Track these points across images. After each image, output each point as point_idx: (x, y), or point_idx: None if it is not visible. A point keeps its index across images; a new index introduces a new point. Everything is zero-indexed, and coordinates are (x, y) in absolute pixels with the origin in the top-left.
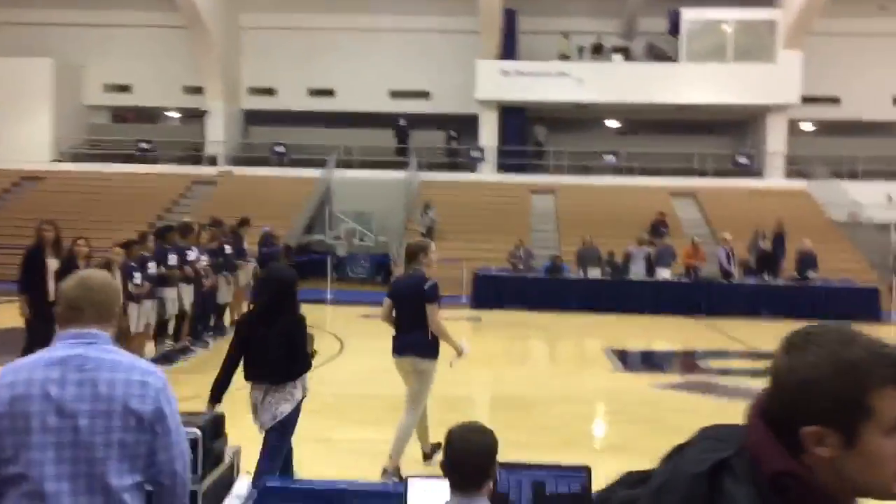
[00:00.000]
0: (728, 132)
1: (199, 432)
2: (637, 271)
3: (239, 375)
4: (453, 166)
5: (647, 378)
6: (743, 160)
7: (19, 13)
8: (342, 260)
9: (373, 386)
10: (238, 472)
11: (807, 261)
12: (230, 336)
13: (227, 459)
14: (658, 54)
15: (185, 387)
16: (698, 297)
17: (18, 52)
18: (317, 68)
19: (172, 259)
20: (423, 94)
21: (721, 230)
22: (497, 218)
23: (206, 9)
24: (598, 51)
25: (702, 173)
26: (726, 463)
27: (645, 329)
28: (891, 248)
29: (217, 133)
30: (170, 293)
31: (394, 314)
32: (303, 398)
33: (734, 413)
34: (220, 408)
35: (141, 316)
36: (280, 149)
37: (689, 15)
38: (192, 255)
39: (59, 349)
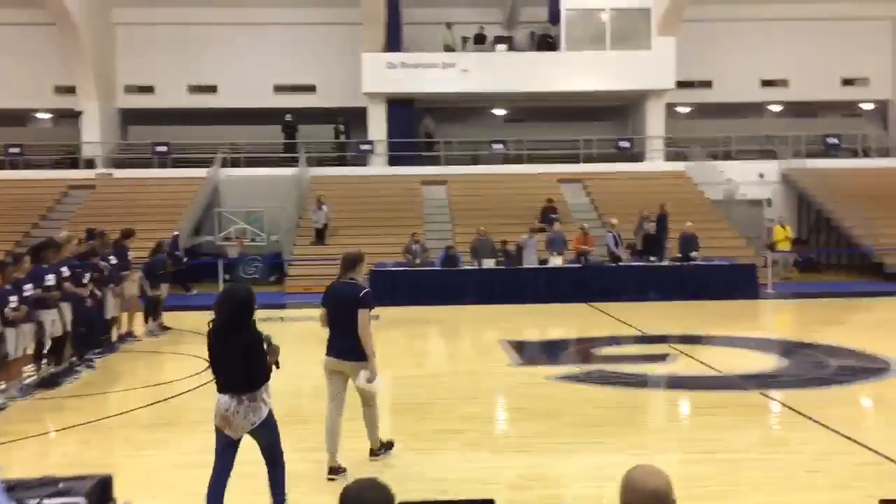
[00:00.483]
0: (610, 118)
1: (83, 502)
2: (530, 260)
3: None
4: (343, 161)
5: (543, 370)
6: (625, 145)
7: None
8: (233, 262)
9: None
10: None
11: (689, 242)
12: (119, 353)
13: None
14: (541, 43)
15: (72, 413)
16: (590, 283)
17: None
18: (197, 64)
19: (50, 279)
20: (309, 88)
21: (608, 214)
22: (390, 211)
23: (76, 5)
24: (480, 41)
25: (587, 159)
26: None
27: (540, 318)
28: (763, 224)
29: (93, 134)
30: (48, 315)
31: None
32: (269, 403)
33: (631, 402)
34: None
35: (19, 341)
36: (162, 148)
37: (568, 4)
38: (66, 272)
39: None
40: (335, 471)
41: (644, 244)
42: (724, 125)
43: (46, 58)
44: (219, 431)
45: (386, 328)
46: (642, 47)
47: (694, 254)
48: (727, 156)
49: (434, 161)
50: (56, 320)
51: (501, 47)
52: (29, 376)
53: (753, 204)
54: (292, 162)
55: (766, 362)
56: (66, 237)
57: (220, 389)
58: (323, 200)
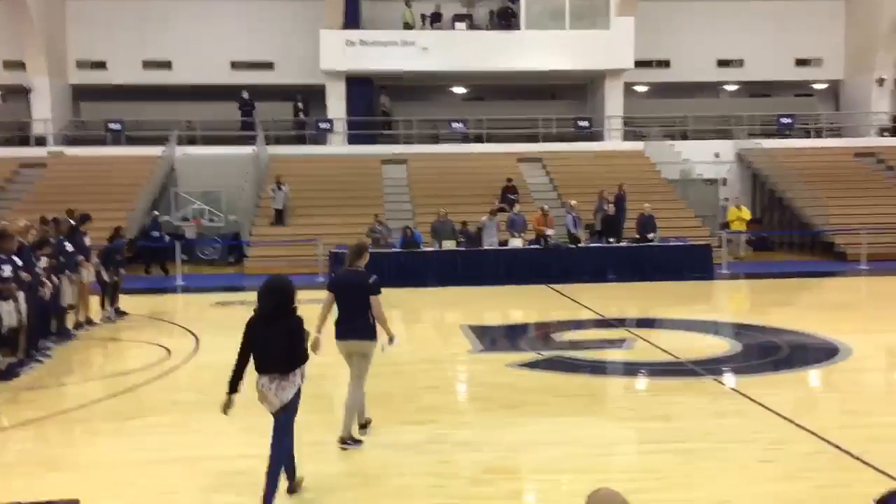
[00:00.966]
0: (569, 97)
1: None
2: (491, 242)
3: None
4: (302, 139)
5: (504, 357)
6: (584, 124)
7: None
8: (191, 243)
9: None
10: None
11: (646, 223)
12: (75, 341)
13: None
14: (500, 22)
15: (28, 406)
16: (549, 264)
17: None
18: (151, 39)
19: (6, 270)
20: (267, 65)
21: (567, 194)
22: (350, 191)
23: None
24: (437, 19)
25: (547, 138)
26: None
27: (500, 300)
28: (718, 203)
29: (44, 111)
30: (5, 306)
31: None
32: (302, 383)
33: (589, 391)
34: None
35: None
36: (115, 126)
37: None
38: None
39: None
40: (347, 442)
41: (602, 225)
42: (680, 105)
43: None
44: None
45: None
46: (601, 27)
47: (651, 235)
48: (684, 135)
49: (394, 140)
50: (12, 311)
51: (461, 25)
52: None
53: (709, 183)
54: (250, 140)
55: (720, 346)
56: (24, 227)
57: (259, 369)
58: (282, 181)
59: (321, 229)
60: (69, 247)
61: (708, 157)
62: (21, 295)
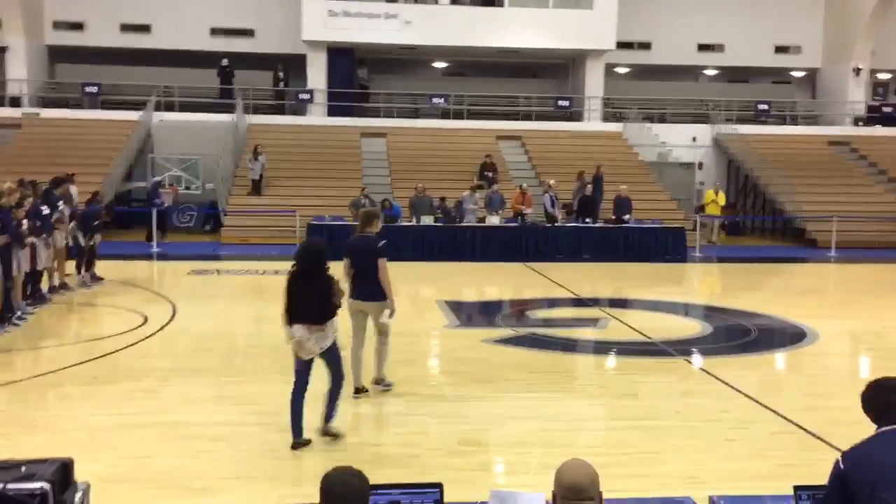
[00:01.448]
0: (550, 76)
1: (48, 486)
2: (469, 218)
3: None
4: (281, 109)
5: (479, 333)
6: (564, 104)
7: None
8: (167, 210)
9: (211, 359)
10: None
11: (623, 205)
12: (51, 305)
13: None
14: None
15: (4, 369)
16: (525, 243)
17: None
18: (130, 2)
19: None
20: (248, 33)
21: (545, 173)
22: (328, 163)
23: None
24: None
25: (526, 116)
26: None
27: (476, 277)
28: (694, 187)
29: (19, 71)
30: None
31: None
32: (335, 333)
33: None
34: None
35: None
36: (92, 89)
37: None
38: None
39: None
40: (359, 391)
41: (579, 205)
42: (660, 87)
43: None
44: (295, 356)
45: None
46: (584, 6)
47: (627, 216)
48: (662, 118)
49: (373, 113)
50: None
51: (444, 0)
52: None
53: (685, 167)
54: (229, 108)
55: (691, 328)
56: (7, 189)
57: (295, 321)
58: (260, 150)
59: (299, 200)
60: (45, 210)
61: (685, 141)
62: None
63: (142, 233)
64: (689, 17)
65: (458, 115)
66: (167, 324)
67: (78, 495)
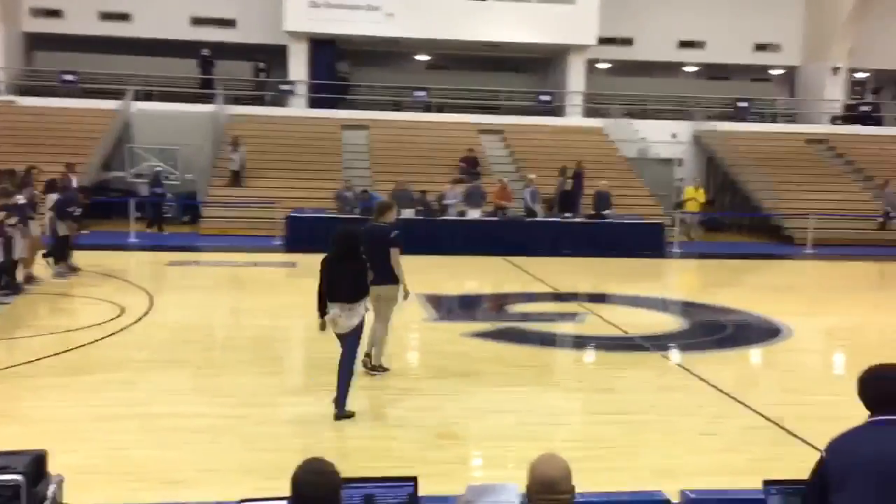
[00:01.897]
0: (532, 70)
1: (20, 479)
2: (450, 212)
3: None
4: (262, 100)
5: (459, 327)
6: (545, 98)
7: None
8: (145, 200)
9: (189, 350)
10: None
11: (603, 199)
12: (26, 295)
13: (48, 501)
14: None
15: None
16: (506, 237)
17: None
18: None
19: None
20: (229, 23)
21: (526, 167)
22: (309, 155)
23: None
24: None
25: (508, 111)
26: None
27: (456, 271)
28: (673, 183)
29: None
30: None
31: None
32: (365, 312)
33: (542, 361)
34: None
35: None
36: (70, 77)
37: None
38: None
39: None
40: (375, 368)
41: (560, 200)
42: (641, 83)
43: None
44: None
45: (301, 276)
46: (566, 1)
47: (607, 211)
48: (643, 114)
49: (355, 105)
50: None
51: None
52: None
53: (665, 163)
54: (208, 98)
55: (668, 323)
56: None
57: (331, 299)
58: (240, 141)
59: (279, 192)
60: (21, 199)
61: (665, 137)
62: None
63: (120, 223)
64: (670, 13)
65: (440, 109)
66: (144, 315)
67: (52, 488)
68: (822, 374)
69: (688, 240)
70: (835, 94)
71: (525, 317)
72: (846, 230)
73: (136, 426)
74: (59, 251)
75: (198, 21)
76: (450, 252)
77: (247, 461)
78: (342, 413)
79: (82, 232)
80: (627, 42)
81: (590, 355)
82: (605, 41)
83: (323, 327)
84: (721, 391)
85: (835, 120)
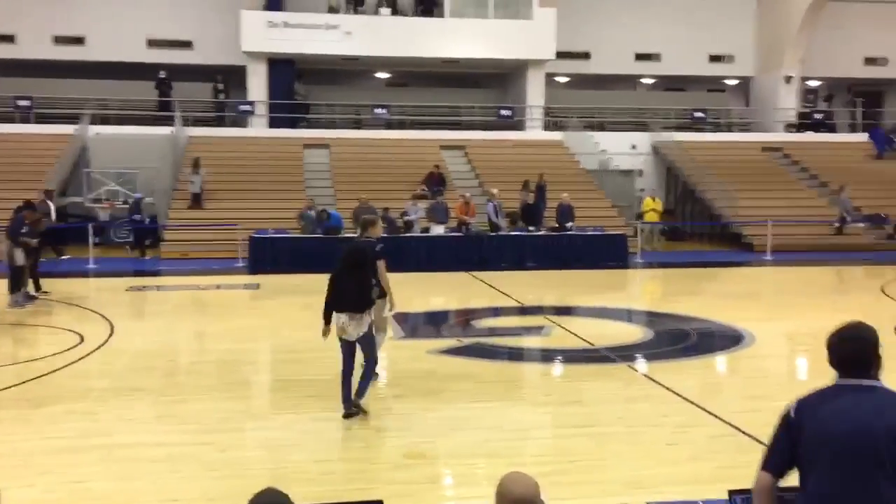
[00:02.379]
0: (492, 85)
1: None
2: (415, 228)
3: None
4: (222, 121)
5: (425, 344)
6: (506, 113)
7: None
8: (104, 225)
9: (150, 377)
10: None
11: (565, 212)
12: None
13: None
14: (424, 8)
15: None
16: (470, 252)
17: None
18: (62, 13)
19: None
20: (186, 44)
21: (488, 182)
22: (271, 175)
23: None
24: (360, 3)
25: (469, 126)
26: None
27: (421, 287)
28: (634, 194)
29: None
30: None
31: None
32: (371, 321)
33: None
34: None
35: None
36: (24, 103)
37: None
38: None
39: None
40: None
41: (523, 214)
42: (599, 96)
43: None
44: (340, 339)
45: (265, 297)
46: (524, 17)
47: (570, 224)
48: (602, 126)
49: (316, 124)
50: None
51: (385, 11)
52: None
53: (626, 174)
54: (167, 121)
55: (633, 333)
56: None
57: (340, 309)
58: (200, 163)
59: (241, 213)
60: None
61: (625, 149)
62: None
63: (79, 249)
64: (626, 27)
65: (401, 126)
66: (104, 342)
67: None
68: (785, 380)
69: (650, 250)
70: (788, 102)
71: (491, 332)
72: (804, 236)
73: (97, 457)
74: (15, 280)
75: (154, 43)
76: (414, 269)
77: (210, 489)
78: (354, 410)
79: (63, 258)
80: (585, 56)
81: (556, 368)
82: (562, 55)
83: (326, 334)
84: (686, 400)
85: (789, 128)
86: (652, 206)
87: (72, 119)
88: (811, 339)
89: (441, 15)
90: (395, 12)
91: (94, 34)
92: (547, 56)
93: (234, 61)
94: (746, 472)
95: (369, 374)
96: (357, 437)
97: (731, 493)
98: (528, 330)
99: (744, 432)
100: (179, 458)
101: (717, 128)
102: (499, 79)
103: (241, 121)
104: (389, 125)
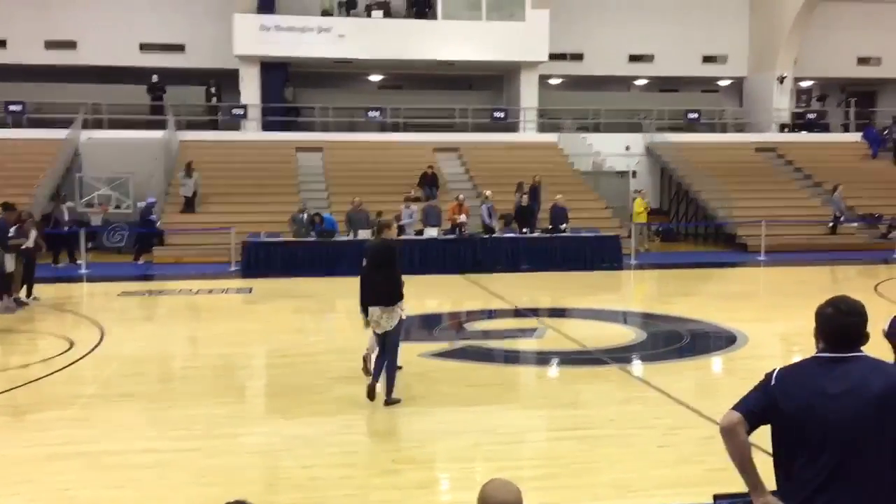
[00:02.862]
0: (486, 87)
1: None
2: (407, 231)
3: None
4: (215, 125)
5: (418, 347)
6: (499, 115)
7: None
8: (97, 230)
9: (140, 383)
10: None
11: (559, 214)
12: None
13: None
14: (417, 10)
15: None
16: (464, 254)
17: None
18: (54, 18)
19: None
20: (178, 48)
21: (483, 184)
22: (264, 178)
23: None
24: (353, 6)
25: (463, 128)
26: None
27: (415, 290)
28: (629, 195)
29: None
30: None
31: None
32: (402, 313)
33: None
34: None
35: None
36: (16, 107)
37: None
38: None
39: None
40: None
41: (517, 215)
42: (593, 98)
43: None
44: (374, 331)
45: (258, 302)
46: (517, 18)
47: (564, 225)
48: (596, 128)
49: (309, 127)
50: None
51: (378, 13)
52: None
53: (620, 175)
54: (160, 125)
55: (626, 335)
56: None
57: (371, 303)
58: (193, 167)
59: (234, 217)
60: None
61: (619, 150)
62: None
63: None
64: (619, 28)
65: (395, 128)
66: (94, 348)
67: None
68: None
69: (644, 251)
70: (782, 102)
71: (484, 334)
72: (798, 236)
73: (83, 464)
74: (3, 285)
75: (146, 47)
76: (408, 271)
77: (196, 496)
78: (391, 399)
79: (79, 262)
80: (578, 57)
81: (550, 371)
82: (555, 57)
83: (367, 325)
84: (679, 402)
85: (783, 128)
86: (642, 207)
87: (64, 124)
88: (805, 339)
89: (434, 17)
90: (387, 15)
91: (86, 38)
92: (540, 58)
93: (226, 65)
94: (736, 474)
95: (392, 369)
96: (346, 442)
97: (717, 497)
98: (522, 332)
99: None
100: (167, 464)
101: (710, 128)
102: (492, 81)
103: (233, 124)
104: (383, 128)
